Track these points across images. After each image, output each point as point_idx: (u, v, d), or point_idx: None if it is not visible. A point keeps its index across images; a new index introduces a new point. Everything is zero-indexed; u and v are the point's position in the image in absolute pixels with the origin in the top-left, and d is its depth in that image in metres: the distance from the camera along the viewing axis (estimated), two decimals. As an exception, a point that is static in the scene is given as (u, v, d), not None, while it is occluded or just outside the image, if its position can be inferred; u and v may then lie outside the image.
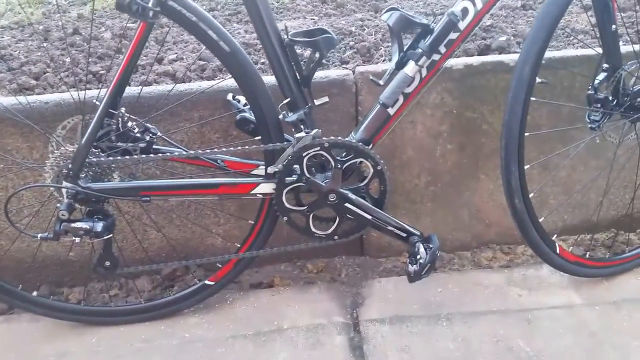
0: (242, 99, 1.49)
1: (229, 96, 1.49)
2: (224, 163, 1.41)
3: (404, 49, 1.26)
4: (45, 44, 2.28)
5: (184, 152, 1.36)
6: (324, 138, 1.29)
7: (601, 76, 1.41)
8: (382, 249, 1.76)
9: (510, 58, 1.57)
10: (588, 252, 1.69)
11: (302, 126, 1.29)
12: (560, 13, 1.24)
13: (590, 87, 1.40)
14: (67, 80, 1.89)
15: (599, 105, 1.40)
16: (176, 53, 2.10)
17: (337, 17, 2.45)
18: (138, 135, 1.35)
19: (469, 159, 1.66)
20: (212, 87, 1.50)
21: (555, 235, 1.49)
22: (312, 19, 2.44)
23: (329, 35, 1.22)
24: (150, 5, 1.14)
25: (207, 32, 1.21)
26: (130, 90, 1.50)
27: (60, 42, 2.30)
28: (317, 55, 1.23)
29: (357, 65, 1.69)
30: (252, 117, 1.39)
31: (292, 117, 1.28)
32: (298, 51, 1.28)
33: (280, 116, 1.30)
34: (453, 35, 1.24)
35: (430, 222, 1.73)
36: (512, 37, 2.00)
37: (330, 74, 1.57)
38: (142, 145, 1.35)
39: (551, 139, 1.64)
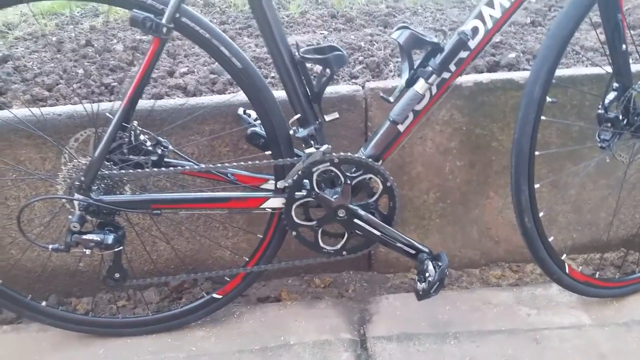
0: (253, 114, 1.50)
1: (240, 111, 1.51)
2: (234, 177, 1.42)
3: (414, 67, 1.27)
4: (58, 55, 2.31)
5: (195, 166, 1.37)
6: (334, 154, 1.29)
7: (611, 95, 1.41)
8: (390, 265, 1.76)
9: (520, 75, 1.57)
10: (597, 272, 1.68)
11: (312, 142, 1.30)
12: (570, 32, 1.24)
13: (600, 106, 1.40)
14: (80, 92, 1.92)
15: (609, 125, 1.40)
16: (187, 66, 2.12)
17: (347, 32, 2.47)
18: (150, 148, 1.36)
19: (478, 176, 1.65)
20: (223, 102, 1.51)
21: (565, 255, 1.48)
22: (321, 34, 2.46)
23: (340, 52, 1.23)
24: (163, 21, 1.15)
25: (219, 48, 1.22)
26: (143, 104, 1.52)
27: (73, 53, 2.33)
28: (328, 72, 1.24)
29: (367, 81, 1.70)
30: (263, 132, 1.40)
31: (302, 132, 1.29)
32: (307, 66, 1.29)
33: (291, 132, 1.31)
34: (463, 54, 1.25)
35: (439, 239, 1.73)
36: (521, 54, 2.01)
37: (340, 89, 1.58)
38: (153, 158, 1.37)
39: (561, 157, 1.64)
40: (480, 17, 1.23)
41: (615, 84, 1.40)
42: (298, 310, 1.62)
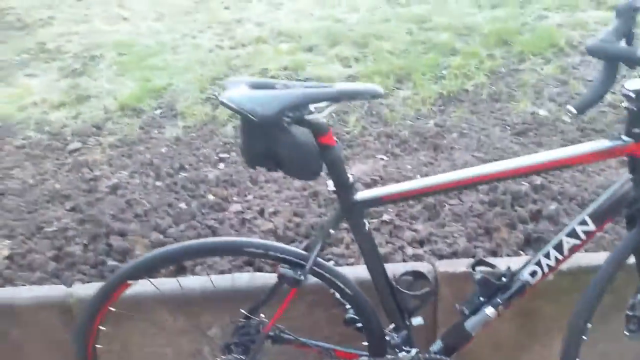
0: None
1: (337, 295, 1.88)
2: (334, 352, 1.81)
3: (488, 293, 1.63)
4: (158, 183, 2.69)
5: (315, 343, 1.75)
6: (420, 355, 1.68)
7: (638, 297, 1.75)
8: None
9: (566, 267, 1.90)
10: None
11: (403, 346, 1.68)
12: (613, 273, 1.58)
13: (628, 308, 1.75)
14: (189, 234, 2.30)
15: (635, 321, 1.75)
16: (274, 204, 2.49)
17: (402, 157, 2.81)
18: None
19: (527, 335, 2.03)
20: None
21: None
22: (381, 159, 2.81)
23: (429, 290, 1.61)
24: (303, 278, 1.52)
25: (341, 286, 1.60)
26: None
27: (171, 179, 2.71)
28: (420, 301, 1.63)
29: (438, 261, 2.06)
30: (357, 317, 1.78)
31: (397, 340, 1.66)
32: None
33: (387, 337, 1.68)
34: (524, 290, 1.61)
35: (492, 378, 2.12)
36: (560, 205, 2.35)
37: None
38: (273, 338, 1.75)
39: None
40: (539, 264, 1.58)
41: (641, 288, 1.75)
42: None
